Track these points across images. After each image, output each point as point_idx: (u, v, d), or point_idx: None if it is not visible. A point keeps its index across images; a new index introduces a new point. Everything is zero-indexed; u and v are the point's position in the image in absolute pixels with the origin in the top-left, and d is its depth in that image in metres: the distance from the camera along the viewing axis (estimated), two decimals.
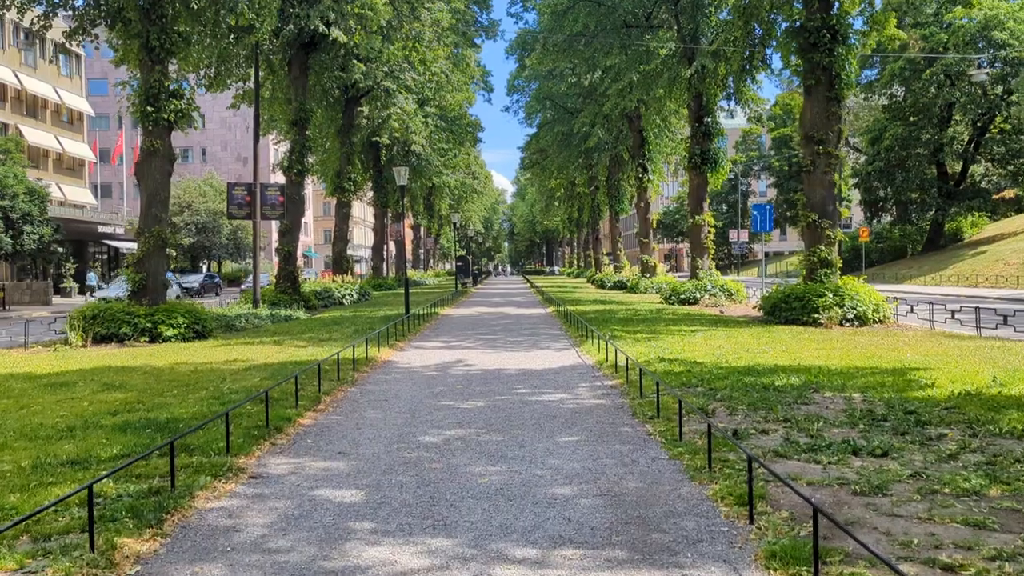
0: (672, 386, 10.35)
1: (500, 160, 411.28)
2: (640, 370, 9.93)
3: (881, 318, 19.72)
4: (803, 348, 14.39)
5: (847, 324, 19.14)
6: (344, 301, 35.69)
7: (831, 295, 19.58)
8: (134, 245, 55.08)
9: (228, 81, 33.97)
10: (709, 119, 33.05)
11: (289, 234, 31.58)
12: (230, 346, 16.88)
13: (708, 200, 33.86)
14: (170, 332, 19.10)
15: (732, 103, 34.14)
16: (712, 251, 33.47)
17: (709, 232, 33.19)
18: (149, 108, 20.46)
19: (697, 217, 32.81)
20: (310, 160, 38.51)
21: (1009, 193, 64.77)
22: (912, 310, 19.81)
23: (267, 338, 18.50)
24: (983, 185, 61.71)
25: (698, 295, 30.37)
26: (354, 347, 13.18)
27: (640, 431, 8.11)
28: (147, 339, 18.85)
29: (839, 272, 21.25)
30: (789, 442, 7.27)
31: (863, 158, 64.09)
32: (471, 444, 7.63)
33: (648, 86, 35.31)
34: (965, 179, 60.33)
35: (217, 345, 17.31)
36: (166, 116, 20.51)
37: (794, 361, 12.50)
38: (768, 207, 28.45)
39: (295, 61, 32.15)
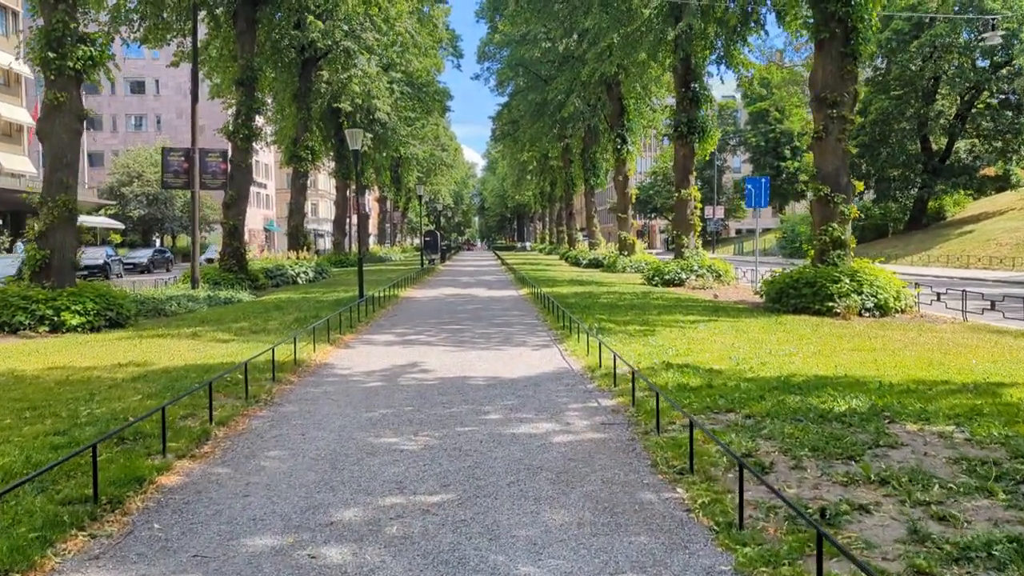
0: (694, 411, 7.67)
1: (470, 134, 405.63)
2: (657, 396, 7.19)
3: (903, 307, 17.24)
4: (834, 348, 11.78)
5: (866, 314, 16.63)
6: (299, 280, 32.71)
7: (847, 280, 17.04)
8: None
9: (167, 36, 30.58)
10: (696, 84, 30.33)
11: (235, 206, 28.45)
12: (139, 340, 13.91)
13: (694, 173, 31.18)
14: (75, 320, 16.07)
15: (721, 68, 31.41)
16: (698, 228, 30.88)
17: (695, 208, 30.59)
18: (51, 55, 17.23)
19: (683, 191, 30.15)
20: (259, 124, 35.28)
21: (990, 171, 62.95)
22: (939, 298, 17.33)
23: (188, 328, 15.52)
24: (968, 161, 59.66)
25: (684, 276, 27.87)
26: (274, 349, 10.25)
27: (671, 501, 5.39)
28: (47, 328, 15.83)
29: (852, 253, 18.72)
30: (917, 536, 4.59)
31: None
32: (413, 533, 4.85)
33: (630, 49, 32.34)
34: (950, 155, 58.35)
35: (124, 338, 14.33)
36: (72, 64, 17.29)
37: (836, 369, 9.88)
38: (764, 180, 25.85)
39: (241, 14, 28.79)
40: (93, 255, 36.69)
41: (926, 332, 13.81)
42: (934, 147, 58.50)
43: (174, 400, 7.36)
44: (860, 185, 18.89)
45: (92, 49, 17.65)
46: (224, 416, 7.75)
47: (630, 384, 8.91)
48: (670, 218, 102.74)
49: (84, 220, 52.77)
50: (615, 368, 9.46)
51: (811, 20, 19.36)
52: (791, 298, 17.60)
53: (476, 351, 12.60)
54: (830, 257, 18.11)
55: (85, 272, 35.23)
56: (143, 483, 5.67)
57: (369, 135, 51.26)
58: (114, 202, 61.58)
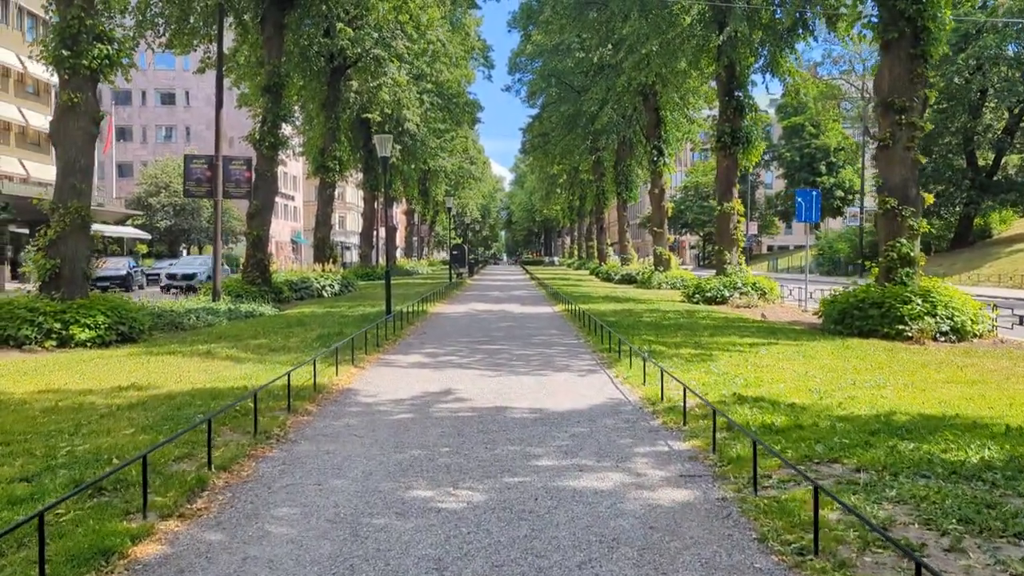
0: (785, 456, 6.29)
1: (498, 149, 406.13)
2: (755, 446, 5.81)
3: (980, 331, 15.69)
4: (926, 380, 10.33)
5: (941, 338, 15.11)
6: (324, 293, 31.62)
7: (919, 301, 15.54)
8: (101, 226, 50.76)
9: (194, 41, 29.84)
10: (740, 93, 28.94)
11: (259, 216, 27.41)
12: (148, 357, 12.78)
13: (737, 186, 29.72)
14: (84, 335, 15.04)
15: (766, 77, 29.94)
16: (741, 243, 29.38)
17: (739, 222, 29.11)
18: (65, 52, 16.31)
19: (726, 204, 28.68)
20: (286, 133, 34.46)
21: None
22: (1022, 321, 15.76)
23: (203, 345, 14.38)
24: (1018, 178, 57.42)
25: (727, 294, 26.35)
26: (289, 375, 8.98)
27: None
28: (55, 343, 14.81)
29: (921, 272, 17.21)
30: None
31: None
32: None
33: (669, 57, 31.03)
34: (998, 170, 56.23)
35: (133, 355, 13.21)
36: (88, 63, 16.35)
37: (941, 407, 8.45)
38: (815, 193, 24.38)
39: (268, 18, 27.87)
40: (115, 265, 35.97)
41: (1020, 361, 12.29)
42: (980, 162, 56.46)
43: (166, 441, 6.12)
44: (930, 197, 17.40)
45: (109, 48, 16.69)
46: (227, 458, 6.51)
47: (704, 423, 7.59)
48: (701, 233, 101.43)
49: (107, 230, 52.26)
50: (685, 402, 8.10)
51: (876, 20, 17.92)
52: (856, 320, 16.10)
53: (515, 376, 11.30)
54: (898, 275, 16.60)
55: (106, 283, 34.45)
56: (111, 557, 4.42)
57: (398, 146, 50.41)
58: (141, 213, 61.25)
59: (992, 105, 53.63)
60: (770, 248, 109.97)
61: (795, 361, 12.13)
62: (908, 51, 16.87)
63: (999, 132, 54.13)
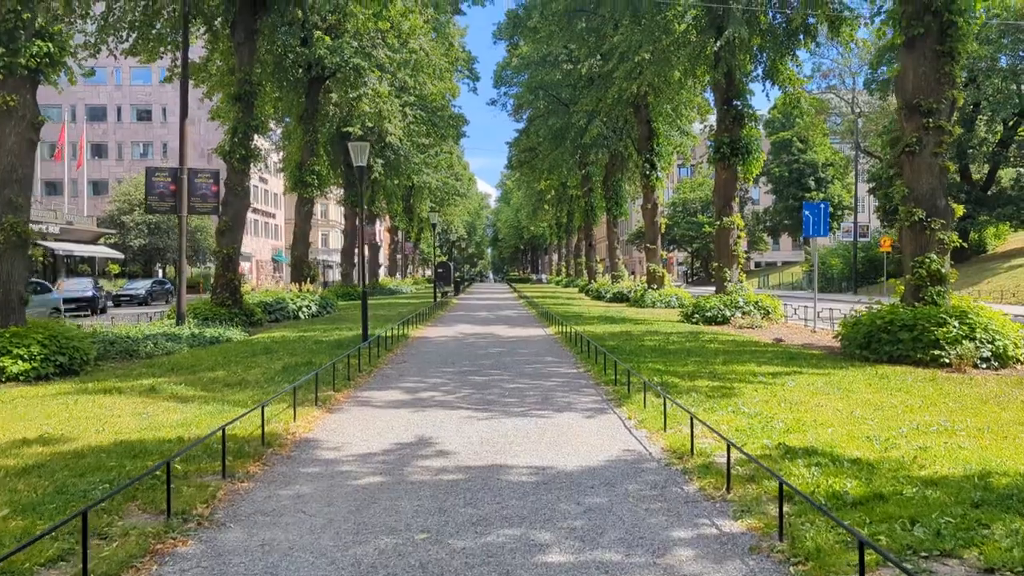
0: (879, 544, 4.57)
1: (483, 167, 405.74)
2: (861, 548, 4.08)
3: (1022, 357, 14.12)
4: (998, 421, 8.67)
5: (982, 365, 13.52)
6: (300, 314, 29.81)
7: (955, 323, 13.96)
8: (71, 245, 48.65)
9: (160, 49, 28.18)
10: (739, 102, 27.48)
11: (229, 233, 25.67)
12: (79, 397, 10.94)
13: (737, 199, 28.22)
14: (16, 367, 13.22)
15: (766, 85, 28.42)
16: (741, 260, 27.80)
17: (739, 237, 27.56)
18: (0, 50, 14.57)
19: (725, 219, 27.11)
20: (264, 147, 32.75)
21: None
22: None
23: (150, 379, 12.55)
24: (1013, 192, 56.43)
25: (728, 313, 24.82)
26: (224, 429, 7.14)
27: None
28: None
29: (951, 289, 15.64)
30: None
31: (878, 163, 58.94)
32: None
33: (663, 65, 29.58)
34: (992, 184, 55.20)
35: (63, 392, 11.36)
36: (25, 62, 14.61)
37: None
38: (823, 206, 22.85)
39: (239, 23, 26.15)
40: (78, 287, 34.00)
41: None
42: (975, 176, 55.45)
43: (122, 483, 4.29)
44: (960, 209, 15.84)
45: (49, 45, 14.95)
46: (118, 560, 4.71)
47: (753, 488, 5.90)
48: (690, 250, 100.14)
49: (78, 249, 50.08)
50: (729, 463, 6.36)
51: (899, 14, 16.41)
52: (884, 344, 14.46)
53: (509, 418, 9.54)
54: (928, 294, 15.02)
55: (72, 306, 32.43)
56: None
57: (380, 160, 48.76)
58: (114, 231, 59.17)
59: (986, 117, 52.70)
60: (758, 264, 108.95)
61: (831, 396, 10.45)
62: (934, 48, 15.38)
63: (993, 145, 53.17)
